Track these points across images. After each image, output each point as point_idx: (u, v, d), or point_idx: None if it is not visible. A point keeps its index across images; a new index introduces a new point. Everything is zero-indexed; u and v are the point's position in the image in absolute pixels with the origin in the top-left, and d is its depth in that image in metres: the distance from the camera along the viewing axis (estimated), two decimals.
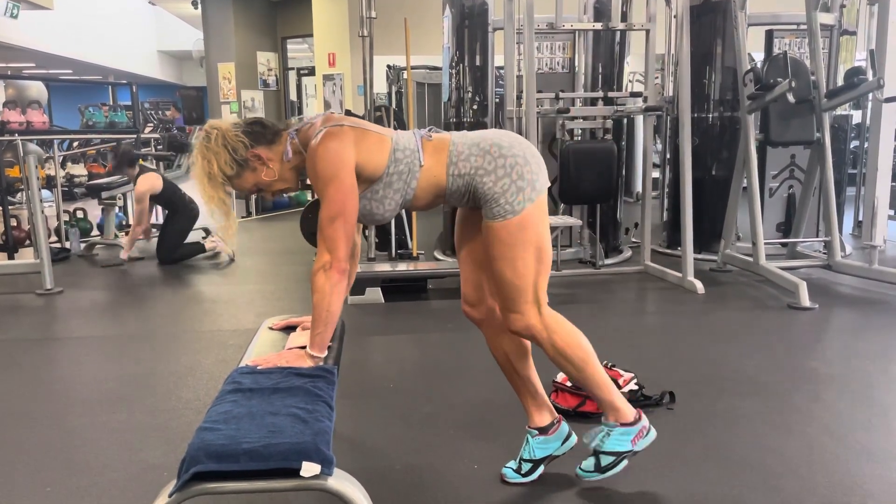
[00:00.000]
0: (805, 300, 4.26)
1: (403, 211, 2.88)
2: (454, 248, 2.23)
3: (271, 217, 9.02)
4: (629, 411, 2.07)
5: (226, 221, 2.00)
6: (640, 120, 7.66)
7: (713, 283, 4.94)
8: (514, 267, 1.93)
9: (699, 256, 5.40)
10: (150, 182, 5.91)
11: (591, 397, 2.71)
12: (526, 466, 2.21)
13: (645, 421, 2.10)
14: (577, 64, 5.71)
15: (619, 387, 2.75)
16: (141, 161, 6.30)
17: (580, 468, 2.14)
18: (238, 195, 8.97)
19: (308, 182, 1.99)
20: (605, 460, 2.09)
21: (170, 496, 1.44)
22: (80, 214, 7.04)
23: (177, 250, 6.00)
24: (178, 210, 6.02)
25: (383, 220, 2.03)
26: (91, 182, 7.71)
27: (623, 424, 2.06)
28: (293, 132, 1.98)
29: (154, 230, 6.69)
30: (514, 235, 1.92)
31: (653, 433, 2.12)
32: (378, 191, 1.94)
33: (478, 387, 3.06)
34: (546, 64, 5.73)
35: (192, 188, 2.02)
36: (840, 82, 5.49)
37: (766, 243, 4.82)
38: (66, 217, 6.83)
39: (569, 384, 2.76)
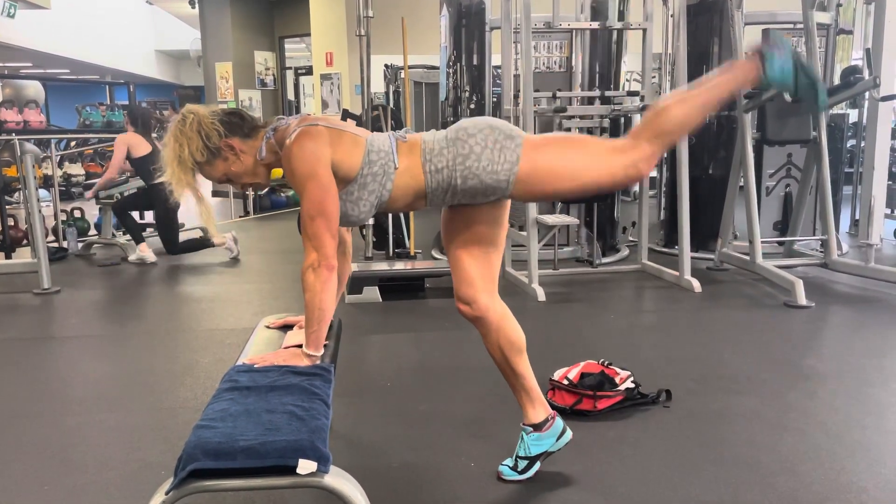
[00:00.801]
0: (801, 298, 4.27)
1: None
2: None
3: (269, 216, 9.03)
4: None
5: (200, 206, 1.99)
6: (637, 119, 7.67)
7: (710, 281, 4.95)
8: (572, 176, 1.92)
9: (696, 255, 5.42)
10: (130, 139, 5.87)
11: (585, 395, 2.72)
12: (522, 464, 2.21)
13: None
14: (574, 63, 5.72)
15: (616, 385, 2.76)
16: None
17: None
18: (236, 194, 9.00)
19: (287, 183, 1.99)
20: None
21: (167, 493, 1.45)
22: (77, 214, 7.04)
23: (175, 237, 6.01)
24: (153, 192, 5.77)
25: (358, 221, 2.03)
26: (88, 181, 7.70)
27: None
28: (270, 131, 1.99)
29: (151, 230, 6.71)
30: (539, 170, 1.91)
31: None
32: (353, 192, 1.95)
33: (475, 385, 3.06)
34: (543, 63, 5.74)
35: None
36: (837, 81, 5.52)
37: (762, 242, 4.83)
38: (63, 216, 6.83)
39: (565, 382, 2.76)
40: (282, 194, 9.61)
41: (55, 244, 6.46)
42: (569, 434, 2.23)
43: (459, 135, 1.95)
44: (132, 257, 6.04)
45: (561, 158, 1.93)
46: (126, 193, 6.32)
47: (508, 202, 2.11)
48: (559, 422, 2.23)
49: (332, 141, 1.90)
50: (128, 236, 6.53)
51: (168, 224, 5.98)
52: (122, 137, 5.93)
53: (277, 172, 2.13)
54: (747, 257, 4.87)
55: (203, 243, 6.07)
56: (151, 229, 6.70)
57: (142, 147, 5.87)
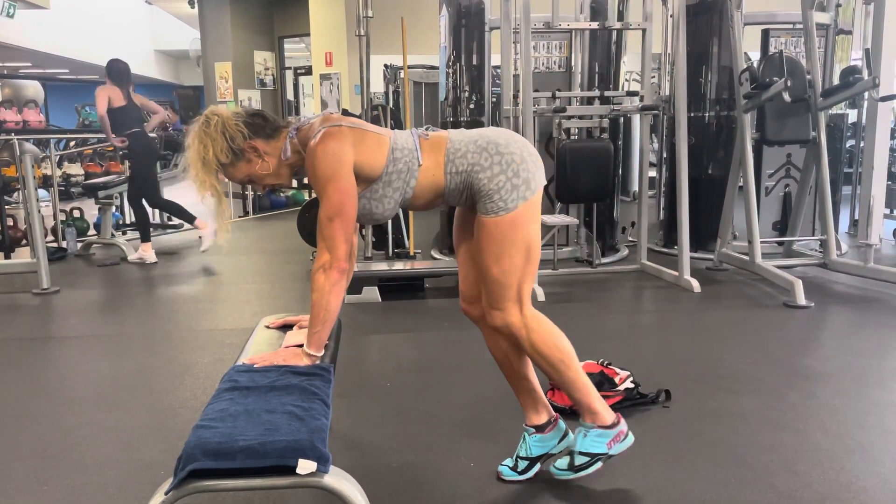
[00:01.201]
0: (801, 298, 4.27)
1: (400, 210, 2.89)
2: (452, 247, 2.24)
3: (268, 216, 9.02)
4: (607, 415, 2.10)
5: (218, 207, 2.00)
6: (636, 119, 7.68)
7: (709, 281, 4.95)
8: (500, 264, 1.95)
9: (695, 255, 5.42)
10: (109, 90, 5.91)
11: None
12: (522, 464, 2.21)
13: (623, 426, 2.12)
14: (573, 63, 5.72)
15: (615, 385, 2.76)
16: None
17: (554, 465, 2.16)
18: (235, 194, 8.99)
19: (305, 181, 2.00)
20: (579, 460, 2.11)
21: (166, 494, 1.45)
22: (76, 214, 7.04)
23: (153, 191, 6.07)
24: (134, 145, 5.88)
25: (383, 219, 2.05)
26: (88, 181, 7.69)
27: (600, 427, 2.09)
28: (293, 131, 1.99)
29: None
30: (505, 233, 1.93)
31: (630, 439, 2.14)
32: (377, 190, 1.95)
33: (474, 385, 3.06)
34: (543, 63, 5.73)
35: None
36: (836, 81, 5.52)
37: (762, 242, 4.83)
38: (62, 216, 6.83)
39: None
40: (281, 194, 9.62)
41: (54, 244, 6.46)
42: (570, 437, 2.23)
43: (489, 147, 1.95)
44: (132, 257, 6.04)
45: (519, 253, 1.95)
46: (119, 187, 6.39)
47: None
48: (562, 424, 2.23)
49: (355, 141, 1.91)
50: (128, 236, 6.56)
51: (140, 179, 6.02)
52: (102, 88, 5.98)
53: None
54: (747, 257, 4.87)
55: (185, 215, 6.14)
56: (152, 229, 6.70)
57: (118, 100, 5.91)
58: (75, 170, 10.47)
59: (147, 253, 5.99)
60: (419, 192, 1.99)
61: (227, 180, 2.04)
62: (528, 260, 1.97)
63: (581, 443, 2.10)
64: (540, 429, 2.19)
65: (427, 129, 2.04)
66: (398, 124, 5.84)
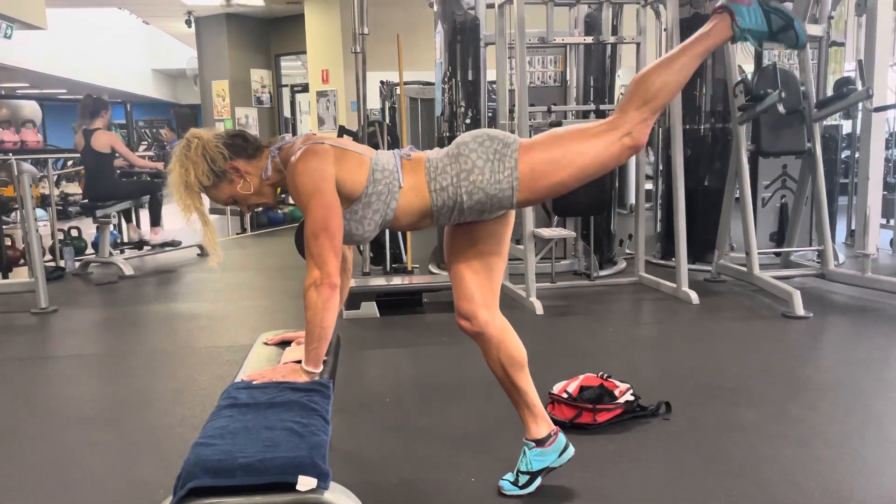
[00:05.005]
0: (799, 309, 4.28)
1: None
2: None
3: (266, 233, 9.03)
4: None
5: (204, 229, 2.00)
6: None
7: (707, 293, 4.95)
8: (570, 162, 1.92)
9: (693, 267, 5.43)
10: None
11: (584, 408, 2.72)
12: (523, 479, 2.20)
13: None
14: (568, 77, 5.76)
15: (615, 398, 2.76)
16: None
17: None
18: (234, 211, 9.01)
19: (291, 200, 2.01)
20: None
21: None
22: (74, 233, 7.03)
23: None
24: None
25: (363, 240, 2.03)
26: (86, 201, 7.66)
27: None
28: (275, 150, 1.99)
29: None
30: (537, 167, 1.92)
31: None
32: (357, 211, 1.95)
33: (474, 400, 3.06)
34: (538, 78, 5.77)
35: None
36: (830, 93, 5.56)
37: (759, 253, 4.84)
38: (60, 236, 6.83)
39: (564, 396, 2.76)
40: (279, 211, 9.63)
41: (52, 263, 6.45)
42: (571, 450, 2.22)
43: (461, 150, 1.96)
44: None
45: (555, 150, 1.94)
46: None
47: (512, 218, 2.12)
48: (562, 438, 2.22)
49: (336, 159, 1.91)
50: (125, 255, 6.58)
51: None
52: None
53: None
54: (744, 268, 4.88)
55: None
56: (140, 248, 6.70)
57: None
58: (73, 189, 10.49)
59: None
60: (400, 213, 1.98)
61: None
62: (563, 135, 1.99)
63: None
64: (540, 443, 2.18)
65: (410, 150, 2.04)
66: (395, 140, 5.86)
